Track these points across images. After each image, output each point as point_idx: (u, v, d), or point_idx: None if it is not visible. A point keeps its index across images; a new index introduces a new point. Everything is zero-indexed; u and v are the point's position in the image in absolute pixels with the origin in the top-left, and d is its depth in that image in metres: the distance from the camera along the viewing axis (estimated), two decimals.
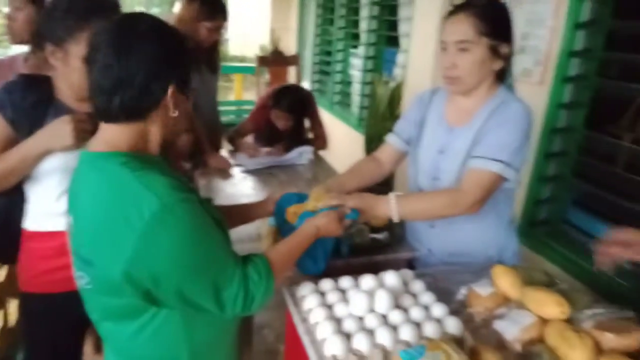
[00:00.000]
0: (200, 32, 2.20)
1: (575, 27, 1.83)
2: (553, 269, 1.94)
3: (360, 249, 1.48)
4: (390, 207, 1.28)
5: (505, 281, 1.12)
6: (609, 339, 0.93)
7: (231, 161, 2.42)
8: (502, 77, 1.35)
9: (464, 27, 1.25)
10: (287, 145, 2.62)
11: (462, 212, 1.27)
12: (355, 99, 4.43)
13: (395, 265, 1.35)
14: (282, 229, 1.31)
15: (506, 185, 1.32)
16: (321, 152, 3.09)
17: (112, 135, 0.89)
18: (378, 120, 2.96)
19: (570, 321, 1.00)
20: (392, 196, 1.29)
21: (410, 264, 1.54)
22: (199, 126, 2.31)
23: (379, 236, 1.55)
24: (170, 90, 0.88)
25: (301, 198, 1.30)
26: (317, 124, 2.83)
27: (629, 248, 1.02)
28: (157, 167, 0.90)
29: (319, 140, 2.82)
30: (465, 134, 1.35)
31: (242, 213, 1.31)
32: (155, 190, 0.83)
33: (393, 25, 3.75)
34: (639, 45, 1.74)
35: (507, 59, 1.32)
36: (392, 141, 1.58)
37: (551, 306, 1.00)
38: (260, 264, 0.96)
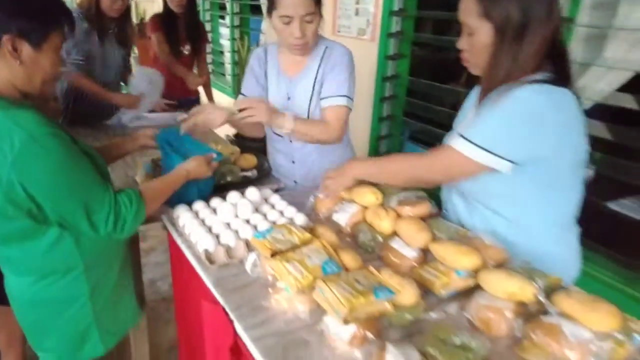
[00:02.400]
0: (104, 3, 2.29)
1: None
2: None
3: (233, 186, 1.72)
4: (288, 120, 1.51)
5: None
6: (407, 210, 1.31)
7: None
8: None
9: (307, 2, 1.48)
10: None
11: (331, 140, 1.61)
12: (228, 68, 4.59)
13: None
14: (165, 164, 1.51)
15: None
16: None
17: None
18: None
19: (383, 205, 1.37)
20: (289, 114, 1.52)
21: None
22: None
23: (248, 173, 1.82)
24: (5, 39, 0.99)
25: (179, 136, 1.49)
26: (203, 60, 3.06)
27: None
28: (26, 108, 1.04)
29: (203, 73, 3.09)
30: (303, 81, 1.67)
31: (115, 148, 1.48)
32: (23, 125, 0.99)
33: None
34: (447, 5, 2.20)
35: None
36: None
37: (368, 195, 1.36)
38: (131, 193, 1.16)
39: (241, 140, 3.24)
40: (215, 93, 4.55)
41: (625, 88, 1.64)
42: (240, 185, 1.72)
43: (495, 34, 1.06)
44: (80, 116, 2.38)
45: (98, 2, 2.30)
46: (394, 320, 0.95)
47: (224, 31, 4.68)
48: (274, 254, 1.05)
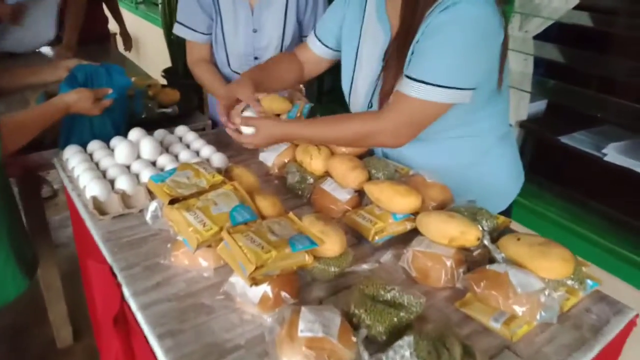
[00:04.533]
0: None
1: None
2: None
3: (150, 123, 1.48)
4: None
5: None
6: (340, 149, 1.14)
7: None
8: None
9: None
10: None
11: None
12: None
13: None
14: None
15: None
16: (128, 55, 2.86)
17: None
18: (173, 11, 2.80)
19: None
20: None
21: None
22: None
23: (168, 110, 1.57)
24: None
25: (98, 70, 1.22)
26: (119, 15, 2.61)
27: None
28: None
29: (127, 39, 2.63)
30: (270, 7, 1.42)
31: (29, 75, 1.25)
32: None
33: None
34: None
35: None
36: (196, 38, 1.50)
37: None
38: None
39: (174, 77, 2.91)
40: (147, 26, 4.08)
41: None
42: (159, 123, 1.50)
43: None
44: None
45: None
46: (317, 275, 0.80)
47: None
48: (173, 201, 0.85)
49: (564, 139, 1.52)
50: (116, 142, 1.14)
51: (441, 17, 0.86)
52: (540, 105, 1.78)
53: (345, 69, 1.16)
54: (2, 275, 1.10)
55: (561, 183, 1.65)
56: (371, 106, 1.08)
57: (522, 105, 1.67)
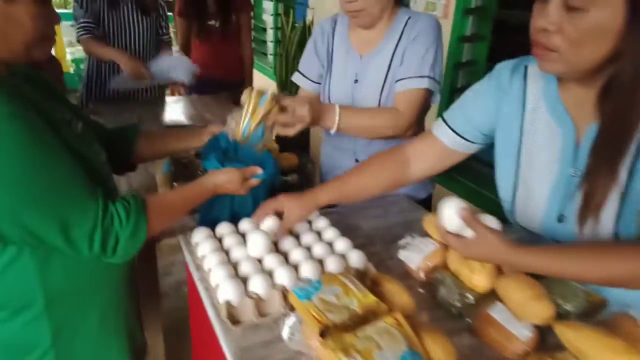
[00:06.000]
0: None
1: None
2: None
3: (272, 193, 1.39)
4: (334, 118, 1.23)
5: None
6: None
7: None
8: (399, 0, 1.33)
9: None
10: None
11: (399, 133, 1.28)
12: (270, 47, 4.22)
13: None
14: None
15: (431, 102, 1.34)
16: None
17: None
18: (289, 65, 2.82)
19: None
20: (337, 107, 1.24)
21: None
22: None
23: (288, 178, 1.48)
24: None
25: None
26: (246, 36, 2.70)
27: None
28: None
29: (246, 51, 2.73)
30: (376, 61, 1.32)
31: (174, 140, 1.20)
32: None
33: None
34: None
35: None
36: (305, 84, 1.49)
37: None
38: (132, 204, 0.85)
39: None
40: (256, 75, 4.21)
41: None
42: (278, 193, 1.42)
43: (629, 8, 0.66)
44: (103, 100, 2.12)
45: None
46: None
47: (267, 5, 4.31)
48: (324, 331, 0.70)
49: None
50: (246, 226, 1.05)
51: None
52: None
53: (502, 171, 0.97)
54: (117, 357, 1.03)
55: None
56: (561, 220, 0.87)
57: None
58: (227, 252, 0.99)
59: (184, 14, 2.65)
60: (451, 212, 0.83)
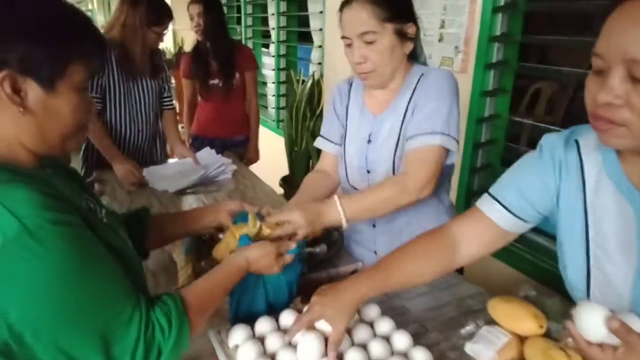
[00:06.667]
0: (149, 37, 2.04)
1: (493, 11, 1.78)
2: (494, 262, 1.89)
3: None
4: (337, 209, 1.12)
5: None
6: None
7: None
8: (413, 56, 1.27)
9: (364, 17, 1.13)
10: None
11: (413, 197, 1.14)
12: (271, 100, 4.22)
13: (338, 280, 1.17)
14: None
15: (447, 161, 1.23)
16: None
17: None
18: (299, 120, 2.78)
19: (547, 334, 0.88)
20: (335, 199, 1.13)
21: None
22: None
23: (316, 250, 1.36)
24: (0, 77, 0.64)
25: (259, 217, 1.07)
26: (252, 92, 2.68)
27: None
28: (30, 180, 0.66)
29: (252, 108, 2.70)
30: (389, 120, 1.25)
31: (189, 221, 1.10)
32: (16, 210, 0.61)
33: (304, 21, 3.60)
34: (556, 27, 1.73)
35: (416, 38, 1.22)
36: (327, 148, 1.42)
37: (527, 320, 0.87)
38: (172, 307, 0.74)
39: (292, 188, 2.82)
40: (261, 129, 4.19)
41: None
42: (305, 266, 1.29)
43: None
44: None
45: (142, 40, 2.00)
46: None
47: (268, 61, 4.34)
48: None
49: None
50: (288, 319, 0.92)
51: None
52: None
53: (570, 256, 0.85)
54: None
55: None
56: None
57: None
58: (272, 357, 0.86)
59: (188, 75, 2.65)
60: (597, 322, 0.70)
